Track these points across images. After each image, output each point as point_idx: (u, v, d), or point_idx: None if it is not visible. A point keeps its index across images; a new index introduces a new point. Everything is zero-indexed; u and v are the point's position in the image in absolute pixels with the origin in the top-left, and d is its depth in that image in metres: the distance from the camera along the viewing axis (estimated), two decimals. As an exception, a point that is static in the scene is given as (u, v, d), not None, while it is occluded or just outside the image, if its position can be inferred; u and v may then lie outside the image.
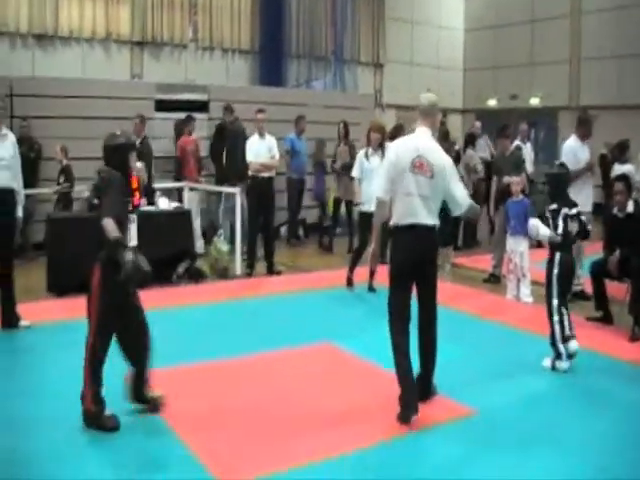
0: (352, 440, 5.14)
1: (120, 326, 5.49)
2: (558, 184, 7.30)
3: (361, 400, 6.00)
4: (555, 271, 6.98)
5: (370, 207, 7.48)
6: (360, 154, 10.33)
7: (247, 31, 18.48)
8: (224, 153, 13.37)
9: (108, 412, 5.29)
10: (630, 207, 8.33)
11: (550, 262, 7.05)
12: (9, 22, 14.98)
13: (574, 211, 7.10)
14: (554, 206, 7.11)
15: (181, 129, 13.41)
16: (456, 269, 11.83)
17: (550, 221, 7.11)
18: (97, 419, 5.24)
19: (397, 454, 4.99)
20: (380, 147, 10.26)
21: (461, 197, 5.92)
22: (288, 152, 13.82)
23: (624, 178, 8.67)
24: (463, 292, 10.26)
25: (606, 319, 8.57)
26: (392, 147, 6.00)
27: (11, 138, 8.06)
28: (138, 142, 11.20)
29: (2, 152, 7.79)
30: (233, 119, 13.43)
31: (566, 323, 6.89)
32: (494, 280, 10.91)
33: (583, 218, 7.24)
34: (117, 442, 5.13)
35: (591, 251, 10.19)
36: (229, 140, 13.34)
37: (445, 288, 10.58)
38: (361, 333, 6.95)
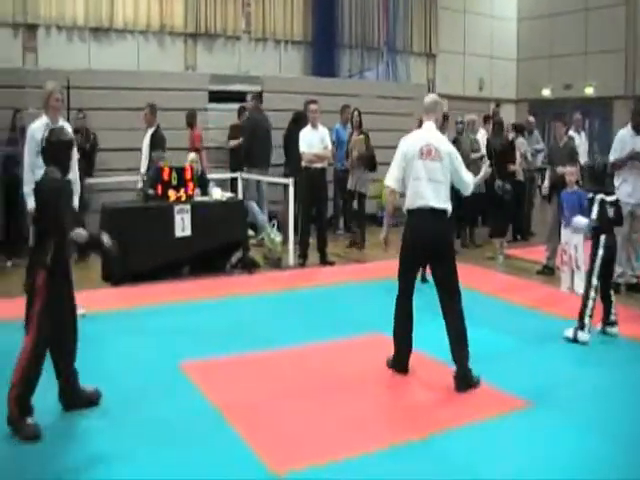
0: (407, 430, 5.17)
1: (56, 329, 5.23)
2: (594, 174, 7.88)
3: (413, 391, 6.03)
4: (599, 252, 7.34)
5: None
6: None
7: (300, 22, 18.50)
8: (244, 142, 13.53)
9: (31, 420, 5.00)
10: None
11: (595, 245, 7.42)
12: (66, 16, 15.19)
13: (612, 198, 7.55)
14: (590, 194, 7.62)
15: (192, 120, 13.40)
16: (509, 260, 11.77)
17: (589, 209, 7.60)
18: (16, 423, 4.98)
19: (454, 447, 4.97)
20: None
21: (467, 178, 6.42)
22: (333, 143, 13.83)
23: None
24: (516, 284, 10.21)
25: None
26: (403, 140, 6.41)
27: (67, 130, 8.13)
28: (151, 131, 11.30)
29: None
30: (255, 108, 13.49)
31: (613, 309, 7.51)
32: (548, 272, 10.81)
33: (620, 205, 7.69)
34: (166, 426, 5.19)
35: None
36: (249, 130, 13.41)
37: (498, 279, 10.64)
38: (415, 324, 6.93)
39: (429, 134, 6.33)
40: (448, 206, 6.18)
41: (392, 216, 6.67)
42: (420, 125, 8.16)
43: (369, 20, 19.92)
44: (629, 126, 9.80)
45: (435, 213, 6.09)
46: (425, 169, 6.11)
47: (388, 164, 6.50)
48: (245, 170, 12.89)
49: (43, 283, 5.09)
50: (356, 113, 13.26)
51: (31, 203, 6.89)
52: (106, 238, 5.45)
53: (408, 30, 20.95)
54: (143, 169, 11.46)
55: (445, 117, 12.73)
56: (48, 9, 15.00)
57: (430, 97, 6.78)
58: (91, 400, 5.45)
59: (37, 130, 7.32)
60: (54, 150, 5.40)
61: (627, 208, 9.50)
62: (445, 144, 6.35)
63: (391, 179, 6.35)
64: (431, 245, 6.09)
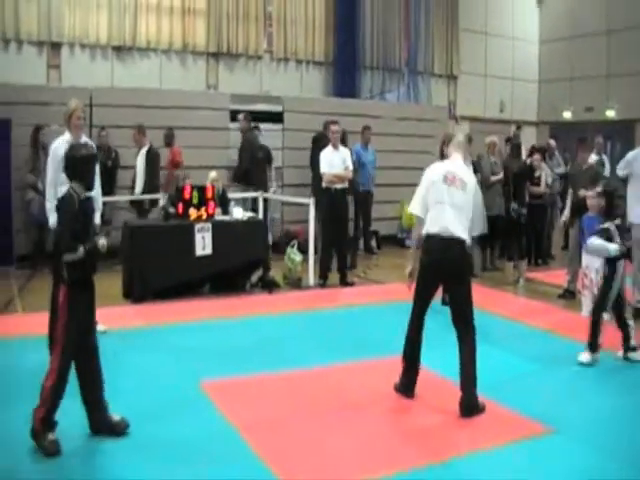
0: (427, 453, 5.14)
1: (80, 348, 5.23)
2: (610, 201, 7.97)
3: (431, 414, 6.00)
4: (616, 283, 7.60)
5: None
6: None
7: (321, 43, 18.56)
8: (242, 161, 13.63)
9: (52, 436, 5.03)
10: None
11: (612, 273, 7.64)
12: (89, 35, 15.31)
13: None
14: (607, 224, 7.79)
15: (170, 139, 13.17)
16: (530, 284, 11.72)
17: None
18: (39, 439, 5.02)
19: (475, 471, 4.94)
20: None
21: (480, 218, 6.45)
22: (354, 163, 13.81)
23: None
24: (537, 308, 10.16)
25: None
26: (428, 168, 6.40)
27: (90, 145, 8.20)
28: (144, 151, 11.45)
29: None
30: (248, 128, 13.35)
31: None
32: (569, 296, 10.76)
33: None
34: (184, 445, 5.18)
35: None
36: (245, 150, 13.48)
37: (518, 303, 10.60)
38: (432, 346, 6.90)
39: (455, 165, 6.31)
40: (467, 236, 6.12)
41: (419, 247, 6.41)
42: (443, 153, 8.38)
43: (390, 41, 19.96)
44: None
45: (453, 240, 6.02)
46: (448, 194, 6.09)
47: (408, 185, 6.58)
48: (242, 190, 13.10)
49: (64, 299, 5.12)
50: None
51: (53, 219, 7.07)
52: (102, 240, 5.36)
53: (429, 51, 20.96)
54: (138, 189, 11.60)
55: (469, 139, 12.73)
56: (72, 27, 15.12)
57: (462, 134, 6.94)
58: (114, 431, 5.35)
59: (59, 147, 7.34)
60: (76, 165, 5.39)
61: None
62: (470, 177, 6.37)
63: (418, 208, 6.31)
64: (447, 270, 6.07)
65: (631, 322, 7.56)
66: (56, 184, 7.32)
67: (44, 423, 5.02)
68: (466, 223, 6.12)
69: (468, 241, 6.13)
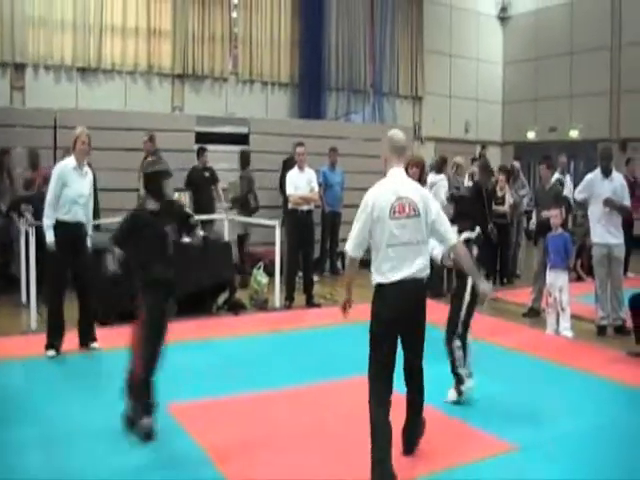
0: (399, 473, 5.12)
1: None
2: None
3: (395, 435, 5.98)
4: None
5: None
6: None
7: (287, 64, 18.65)
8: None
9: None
10: None
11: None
12: (54, 56, 15.27)
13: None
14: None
15: (35, 160, 12.29)
16: (495, 303, 11.76)
17: None
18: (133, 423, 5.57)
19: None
20: (419, 182, 10.33)
21: (448, 230, 5.34)
22: (320, 185, 13.82)
23: None
24: (502, 326, 10.19)
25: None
26: (367, 196, 5.17)
27: (90, 176, 8.51)
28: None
29: (82, 190, 8.24)
30: (154, 150, 12.65)
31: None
32: (533, 314, 10.84)
33: None
34: (153, 469, 5.16)
35: (632, 284, 10.18)
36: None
37: (483, 322, 10.60)
38: (398, 367, 6.89)
39: (399, 184, 5.20)
40: (428, 269, 5.19)
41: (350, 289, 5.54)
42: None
43: (356, 63, 20.11)
44: (598, 170, 9.99)
45: (417, 283, 5.08)
46: (399, 230, 5.00)
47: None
48: None
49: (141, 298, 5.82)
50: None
51: (50, 236, 7.94)
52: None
53: (395, 73, 21.14)
54: None
55: (443, 160, 12.87)
56: (36, 48, 15.10)
57: (399, 133, 5.49)
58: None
59: (62, 169, 8.09)
60: (149, 180, 5.92)
61: (603, 250, 9.66)
62: (419, 192, 5.23)
63: (352, 246, 5.18)
64: (412, 320, 5.15)
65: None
66: (55, 204, 7.97)
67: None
68: (425, 252, 5.19)
69: (427, 274, 5.16)
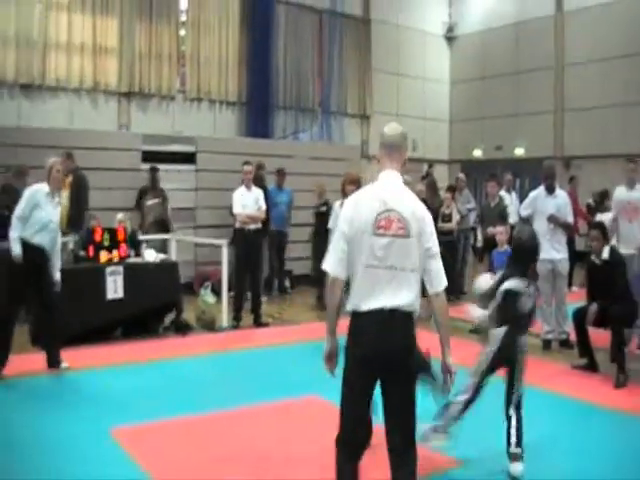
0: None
1: None
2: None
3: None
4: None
5: None
6: (336, 205, 10.17)
7: (234, 83, 18.57)
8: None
9: None
10: (606, 253, 8.47)
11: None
12: (-4, 72, 15.03)
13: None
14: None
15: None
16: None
17: None
18: None
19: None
20: None
21: (441, 270, 4.29)
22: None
23: (599, 225, 8.88)
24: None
25: (591, 367, 8.62)
26: (349, 202, 4.31)
27: (59, 208, 8.80)
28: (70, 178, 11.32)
29: (53, 217, 8.43)
30: (74, 167, 12.02)
31: None
32: (480, 330, 10.89)
33: None
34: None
35: (576, 298, 10.31)
36: (72, 190, 12.25)
37: (430, 339, 10.62)
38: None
39: (390, 192, 4.21)
40: (417, 305, 4.18)
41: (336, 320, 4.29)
42: (344, 192, 7.59)
43: (304, 82, 20.12)
44: (542, 187, 10.15)
45: (395, 317, 4.07)
46: (382, 252, 4.07)
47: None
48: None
49: None
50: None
51: (17, 249, 8.04)
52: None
53: (342, 92, 21.20)
54: None
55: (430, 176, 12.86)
56: (-23, 65, 14.84)
57: (392, 128, 4.46)
58: None
59: (37, 191, 8.31)
60: None
61: (548, 266, 9.80)
62: (414, 208, 4.21)
63: (331, 264, 4.20)
64: (391, 363, 4.10)
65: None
66: (24, 221, 8.13)
67: None
68: (414, 281, 4.15)
69: (416, 309, 4.18)
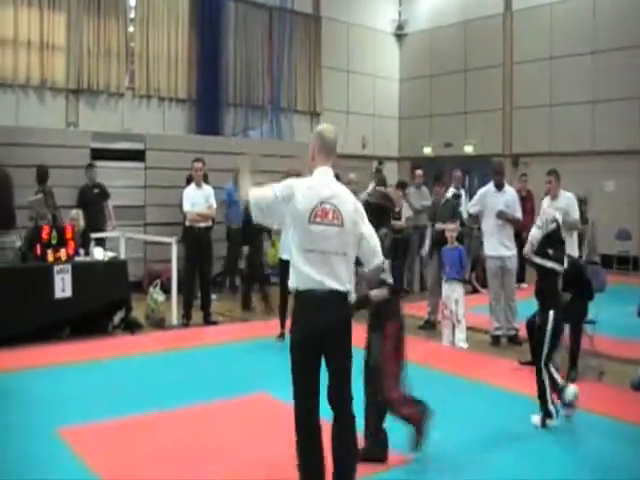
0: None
1: None
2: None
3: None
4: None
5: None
6: None
7: (184, 80, 18.49)
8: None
9: None
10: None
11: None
12: (-61, 68, 14.79)
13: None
14: None
15: None
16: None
17: None
18: None
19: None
20: None
21: (375, 246, 4.80)
22: (224, 202, 13.77)
23: None
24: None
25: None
26: (291, 182, 4.73)
27: None
28: None
29: None
30: None
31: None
32: (429, 326, 10.99)
33: None
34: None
35: (524, 295, 10.44)
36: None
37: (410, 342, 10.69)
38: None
39: (325, 186, 4.67)
40: (351, 287, 4.66)
41: None
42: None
43: (253, 79, 20.10)
44: (491, 184, 10.26)
45: (333, 297, 4.51)
46: (319, 238, 4.50)
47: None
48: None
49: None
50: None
51: None
52: None
53: (292, 89, 21.22)
54: None
55: (336, 177, 12.82)
56: None
57: (330, 130, 4.97)
58: None
59: None
60: None
61: (497, 263, 9.91)
62: (349, 199, 4.71)
63: (256, 196, 4.70)
64: (328, 339, 4.53)
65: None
66: None
67: None
68: (347, 266, 4.62)
69: (350, 290, 4.63)
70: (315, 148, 4.86)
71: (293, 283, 4.61)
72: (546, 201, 9.60)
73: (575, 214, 9.44)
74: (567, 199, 9.56)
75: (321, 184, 4.67)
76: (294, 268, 4.60)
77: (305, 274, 4.52)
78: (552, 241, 6.77)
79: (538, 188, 15.37)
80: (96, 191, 13.31)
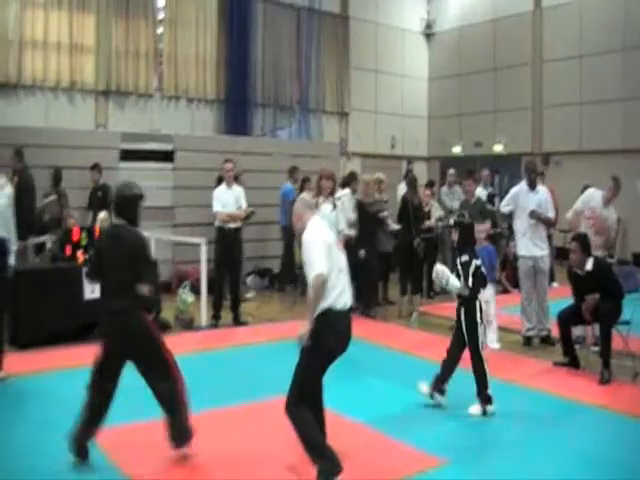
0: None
1: None
2: (465, 235, 7.35)
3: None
4: (478, 321, 7.00)
5: None
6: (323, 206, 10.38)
7: (212, 80, 18.53)
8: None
9: None
10: (589, 265, 8.32)
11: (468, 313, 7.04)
12: (-29, 71, 14.90)
13: (479, 262, 7.20)
14: (465, 258, 7.13)
15: None
16: (423, 317, 11.80)
17: (461, 272, 7.10)
18: None
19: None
20: (331, 195, 10.49)
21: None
22: (285, 202, 13.98)
23: (579, 237, 8.60)
24: (429, 340, 10.22)
25: (573, 363, 8.59)
26: (315, 226, 5.40)
27: (8, 189, 8.29)
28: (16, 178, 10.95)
29: None
30: (22, 167, 11.57)
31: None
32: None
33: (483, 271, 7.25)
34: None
35: (556, 294, 10.32)
36: (20, 191, 11.11)
37: (412, 336, 10.63)
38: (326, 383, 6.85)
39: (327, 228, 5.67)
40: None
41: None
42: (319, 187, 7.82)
43: (282, 79, 20.10)
44: (523, 183, 10.16)
45: (350, 312, 5.45)
46: (342, 260, 5.46)
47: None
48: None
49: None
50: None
51: None
52: None
53: (321, 89, 21.20)
54: None
55: (351, 176, 12.79)
56: (-48, 64, 14.69)
57: (306, 196, 6.11)
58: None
59: None
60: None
61: (529, 263, 9.82)
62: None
63: (324, 267, 5.12)
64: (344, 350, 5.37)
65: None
66: None
67: None
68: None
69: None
70: (302, 209, 5.57)
71: (329, 303, 5.22)
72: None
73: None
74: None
75: (326, 226, 5.64)
76: (330, 287, 5.22)
77: (340, 293, 5.28)
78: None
79: (569, 187, 15.28)
80: (99, 194, 13.20)
